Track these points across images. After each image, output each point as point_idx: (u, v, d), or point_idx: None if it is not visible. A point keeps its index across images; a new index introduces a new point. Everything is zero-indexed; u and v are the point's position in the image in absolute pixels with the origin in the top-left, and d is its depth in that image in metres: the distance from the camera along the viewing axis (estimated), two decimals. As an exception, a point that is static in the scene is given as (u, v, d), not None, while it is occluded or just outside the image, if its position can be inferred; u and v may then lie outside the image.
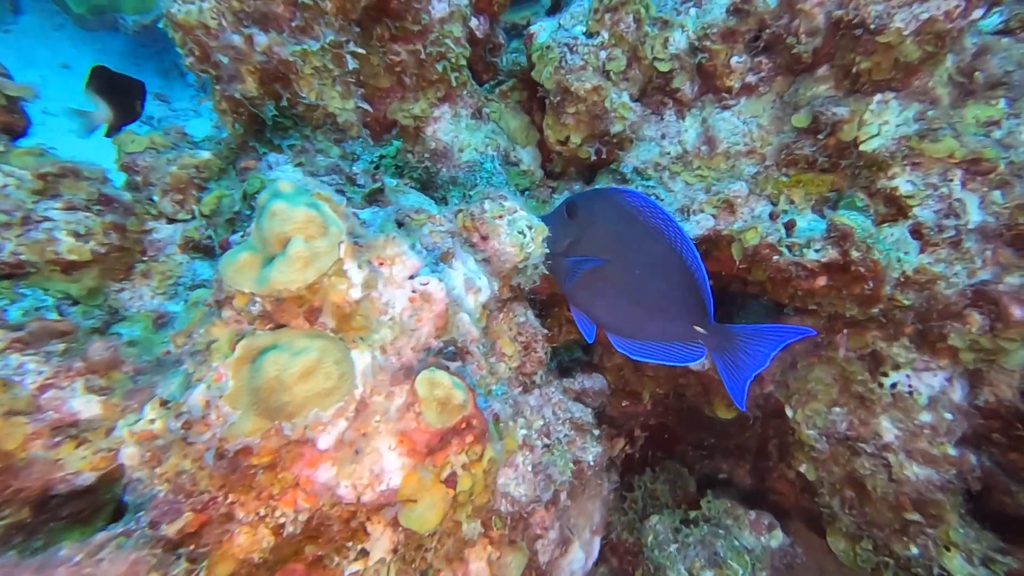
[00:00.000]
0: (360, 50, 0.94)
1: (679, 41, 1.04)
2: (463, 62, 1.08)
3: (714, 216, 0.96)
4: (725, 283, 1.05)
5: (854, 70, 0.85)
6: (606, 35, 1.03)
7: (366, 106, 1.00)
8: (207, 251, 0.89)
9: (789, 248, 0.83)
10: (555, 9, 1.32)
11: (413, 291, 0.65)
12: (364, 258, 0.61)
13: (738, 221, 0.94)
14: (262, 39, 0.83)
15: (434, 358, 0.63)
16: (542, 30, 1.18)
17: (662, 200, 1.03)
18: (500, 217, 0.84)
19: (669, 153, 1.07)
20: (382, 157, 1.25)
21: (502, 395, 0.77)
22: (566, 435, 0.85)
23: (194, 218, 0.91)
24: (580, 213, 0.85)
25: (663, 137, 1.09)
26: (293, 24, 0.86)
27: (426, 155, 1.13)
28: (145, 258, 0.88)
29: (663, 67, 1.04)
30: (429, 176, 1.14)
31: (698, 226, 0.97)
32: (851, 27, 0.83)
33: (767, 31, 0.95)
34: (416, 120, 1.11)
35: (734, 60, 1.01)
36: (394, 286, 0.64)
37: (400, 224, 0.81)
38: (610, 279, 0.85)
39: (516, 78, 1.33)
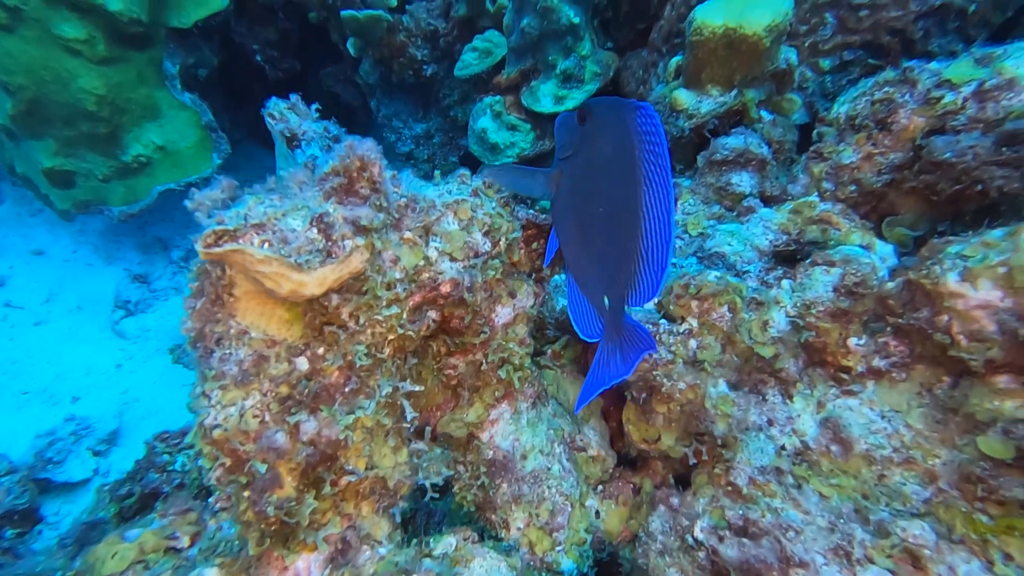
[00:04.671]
0: (416, 388, 0.75)
1: (779, 321, 0.90)
2: (528, 361, 0.90)
3: (892, 572, 0.73)
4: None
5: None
6: (695, 323, 0.89)
7: (420, 446, 0.79)
8: None
9: None
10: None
11: None
12: None
13: (933, 587, 0.70)
14: (310, 426, 0.63)
15: None
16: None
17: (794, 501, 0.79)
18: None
19: (786, 449, 0.88)
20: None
21: None
22: None
23: None
24: (589, 123, 0.72)
25: (770, 424, 0.91)
26: (347, 389, 0.66)
27: (481, 468, 0.90)
28: None
29: (766, 352, 0.89)
30: (486, 495, 0.90)
31: (868, 581, 0.73)
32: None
33: (895, 319, 0.82)
34: (470, 427, 0.90)
35: (852, 342, 0.87)
36: None
37: None
38: (578, 209, 0.74)
39: (566, 331, 1.17)
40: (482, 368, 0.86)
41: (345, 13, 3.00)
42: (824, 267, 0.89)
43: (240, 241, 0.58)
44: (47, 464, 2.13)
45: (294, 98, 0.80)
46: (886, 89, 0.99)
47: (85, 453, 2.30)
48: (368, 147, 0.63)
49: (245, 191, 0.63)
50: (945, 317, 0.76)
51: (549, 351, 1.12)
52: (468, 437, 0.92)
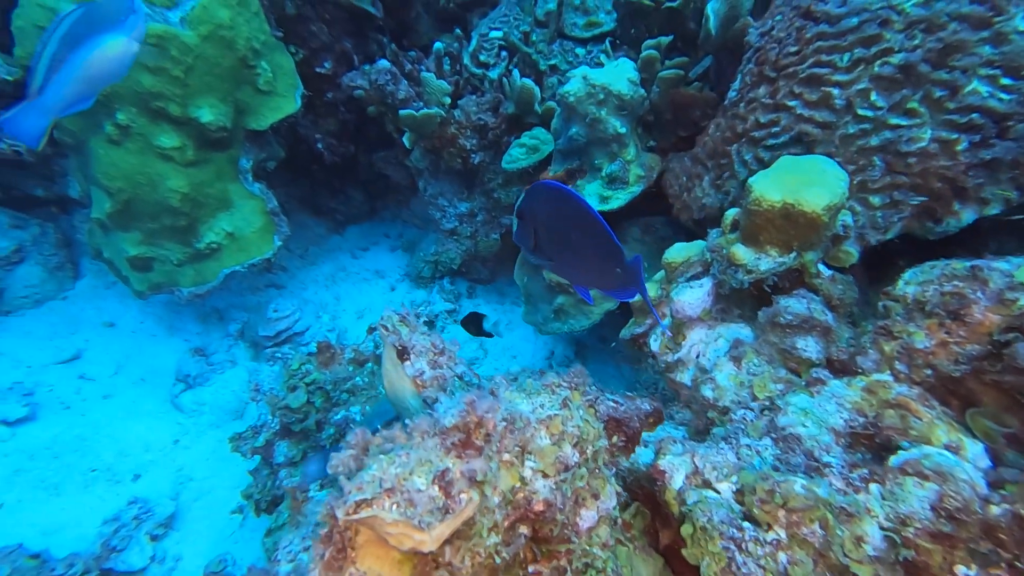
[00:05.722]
0: (508, 612, 0.77)
1: (874, 536, 0.88)
2: (611, 563, 0.91)
3: None
4: None
5: None
6: (783, 534, 0.88)
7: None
8: None
9: None
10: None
11: None
12: None
13: None
14: None
15: None
16: (675, 471, 1.05)
17: None
18: None
19: None
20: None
21: None
22: None
23: None
24: (527, 213, 1.02)
25: (870, 645, 0.87)
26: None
27: (566, 672, 0.89)
28: None
29: (864, 573, 0.87)
30: None
31: None
32: None
33: (1009, 556, 0.79)
34: (553, 628, 0.90)
35: (960, 571, 0.83)
36: None
37: None
38: (566, 249, 1.01)
39: (636, 497, 1.17)
40: (566, 575, 0.87)
41: (403, 112, 3.26)
42: (916, 479, 0.88)
43: (374, 507, 0.63)
44: (111, 553, 2.21)
45: (405, 310, 0.88)
46: (955, 283, 1.01)
47: (144, 539, 2.37)
48: (486, 407, 0.69)
49: (373, 449, 0.69)
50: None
51: (619, 520, 1.12)
52: (548, 637, 0.92)
